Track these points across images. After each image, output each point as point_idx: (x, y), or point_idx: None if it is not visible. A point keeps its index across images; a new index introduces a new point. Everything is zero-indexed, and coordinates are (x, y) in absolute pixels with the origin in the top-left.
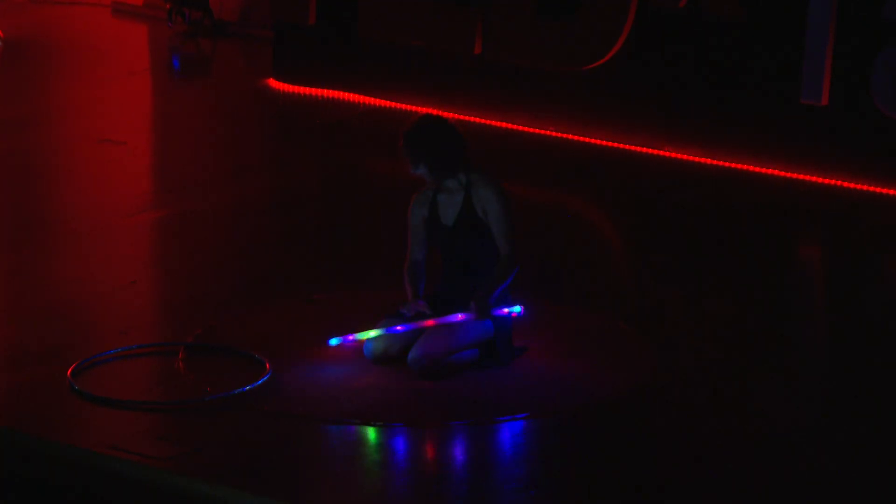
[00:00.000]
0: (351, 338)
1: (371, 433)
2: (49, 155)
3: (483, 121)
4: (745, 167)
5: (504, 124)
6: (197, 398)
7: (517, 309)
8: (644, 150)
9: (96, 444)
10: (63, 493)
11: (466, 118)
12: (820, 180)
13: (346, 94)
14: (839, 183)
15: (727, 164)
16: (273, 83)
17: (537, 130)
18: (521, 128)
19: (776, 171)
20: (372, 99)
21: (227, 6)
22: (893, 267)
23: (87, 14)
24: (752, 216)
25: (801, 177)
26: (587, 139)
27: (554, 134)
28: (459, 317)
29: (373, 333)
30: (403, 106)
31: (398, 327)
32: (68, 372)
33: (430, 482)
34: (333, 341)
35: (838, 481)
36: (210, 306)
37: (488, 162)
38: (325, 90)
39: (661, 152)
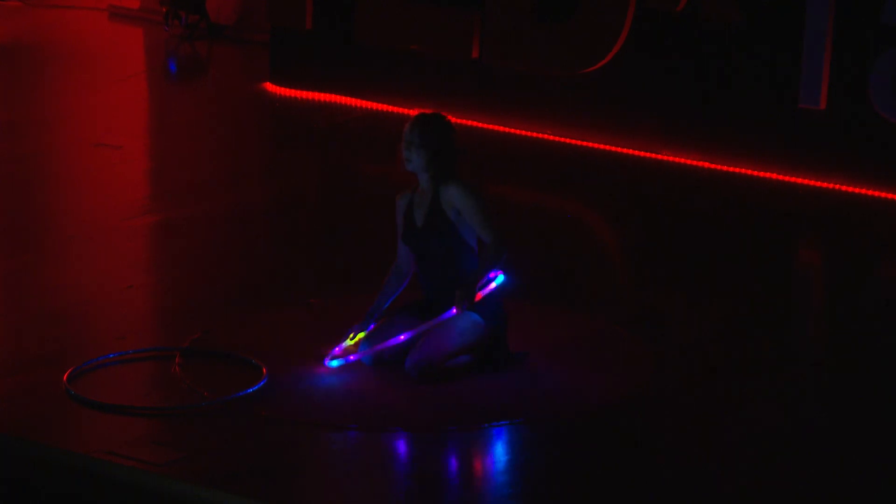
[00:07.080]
0: (353, 358)
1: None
2: (45, 159)
3: (481, 125)
4: (743, 171)
5: (502, 128)
6: (194, 403)
7: (500, 279)
8: (642, 154)
9: (92, 450)
10: (59, 498)
11: (464, 122)
12: (818, 184)
13: (343, 97)
14: (837, 187)
15: (725, 168)
16: (270, 87)
17: (535, 134)
18: (518, 132)
19: (774, 175)
20: (369, 103)
21: (223, 10)
22: (892, 270)
23: (84, 18)
24: (750, 220)
25: (800, 181)
26: (585, 143)
27: (551, 138)
28: (454, 311)
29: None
30: (400, 110)
31: (401, 336)
32: (64, 377)
33: (426, 488)
34: (334, 363)
35: (838, 483)
36: (207, 311)
37: (486, 165)
38: (322, 94)
39: (659, 156)
